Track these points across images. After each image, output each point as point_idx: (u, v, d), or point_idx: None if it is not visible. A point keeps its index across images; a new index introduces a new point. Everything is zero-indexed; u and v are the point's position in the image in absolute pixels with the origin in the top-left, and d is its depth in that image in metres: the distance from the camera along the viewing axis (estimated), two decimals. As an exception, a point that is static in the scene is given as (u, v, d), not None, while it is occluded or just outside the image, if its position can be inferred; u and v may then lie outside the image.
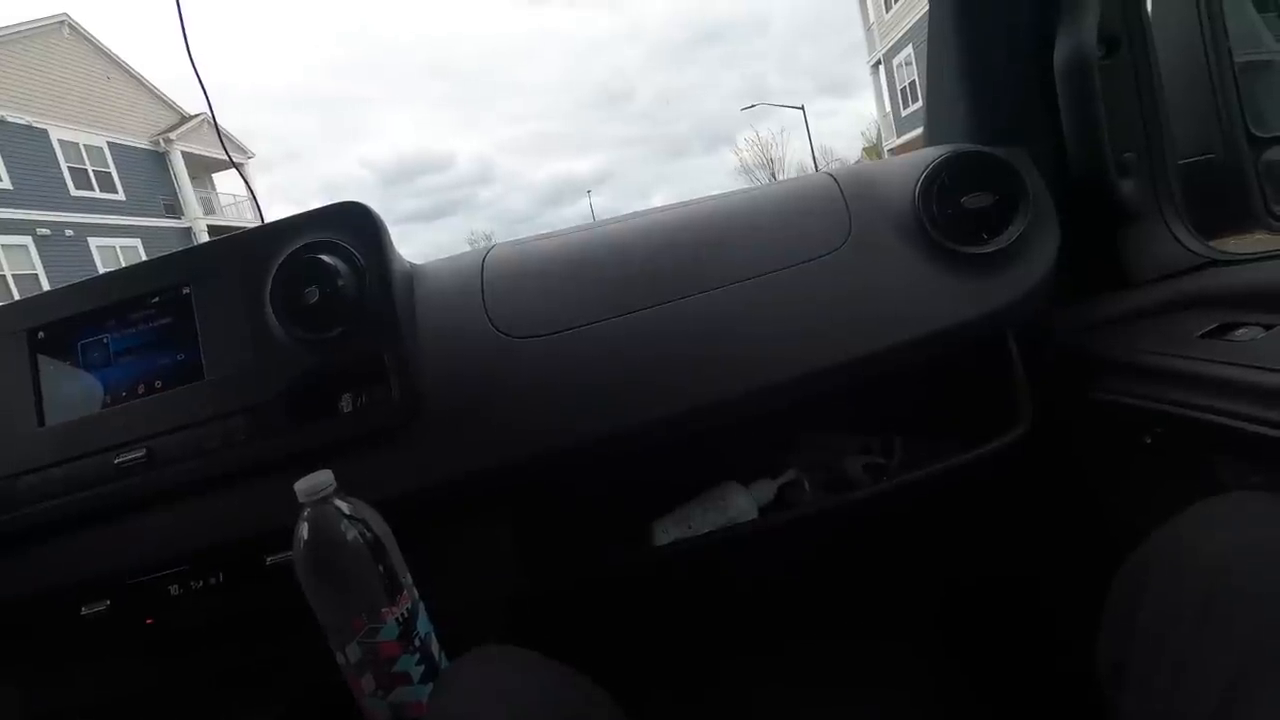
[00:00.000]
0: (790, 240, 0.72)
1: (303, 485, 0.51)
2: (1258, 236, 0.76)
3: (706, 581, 0.93)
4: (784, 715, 0.91)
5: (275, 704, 0.68)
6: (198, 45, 0.83)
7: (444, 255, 0.81)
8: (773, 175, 25.31)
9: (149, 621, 0.66)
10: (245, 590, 0.65)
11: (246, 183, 1.11)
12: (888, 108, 18.84)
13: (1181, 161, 0.75)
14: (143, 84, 16.75)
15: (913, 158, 0.77)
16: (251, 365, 0.65)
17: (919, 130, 1.02)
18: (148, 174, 16.58)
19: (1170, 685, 0.36)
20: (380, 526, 0.53)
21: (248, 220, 17.27)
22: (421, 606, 0.56)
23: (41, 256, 13.39)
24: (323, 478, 0.52)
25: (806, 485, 0.80)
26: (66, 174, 14.36)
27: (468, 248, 0.90)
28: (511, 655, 0.46)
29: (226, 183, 19.77)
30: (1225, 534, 0.39)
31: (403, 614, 0.53)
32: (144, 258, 0.79)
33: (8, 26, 13.54)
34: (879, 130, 20.59)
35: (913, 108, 16.73)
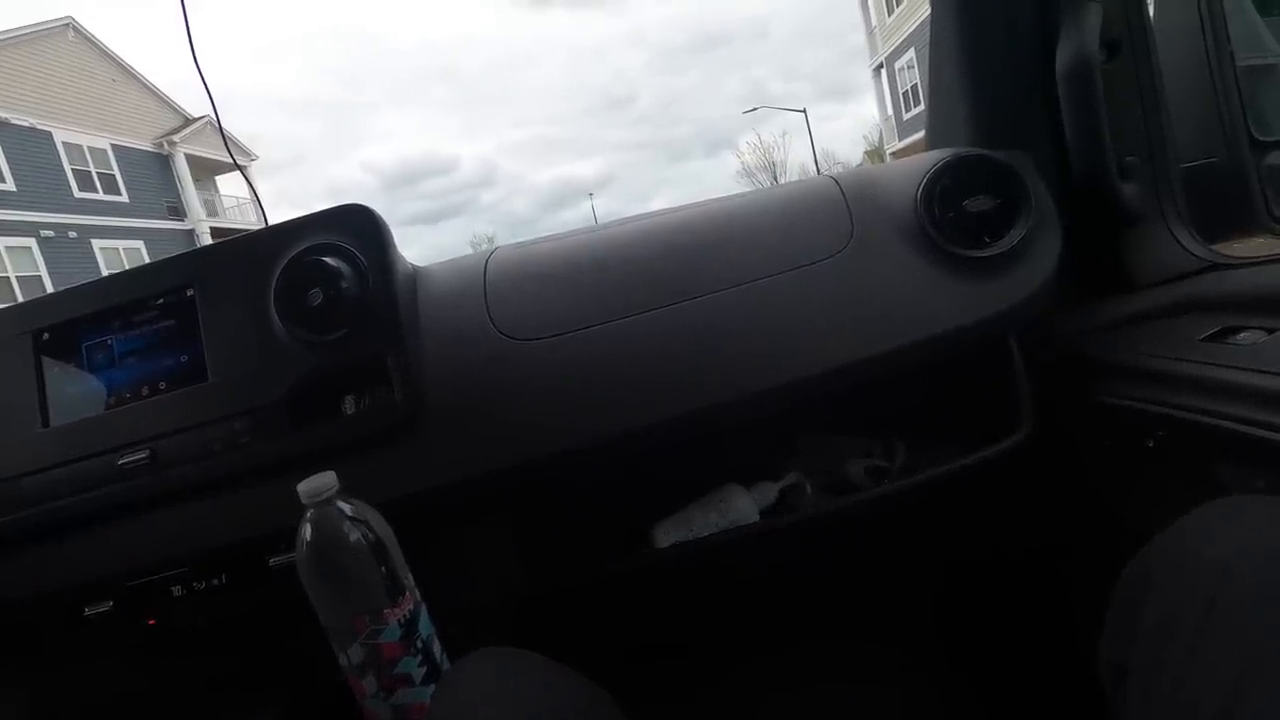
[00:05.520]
0: (792, 243, 0.72)
1: (305, 487, 0.51)
2: (1260, 240, 0.76)
3: (707, 584, 0.93)
4: (784, 718, 0.91)
5: (276, 705, 0.68)
6: (202, 48, 0.84)
7: (446, 257, 0.81)
8: (774, 178, 25.37)
9: (151, 622, 0.66)
10: (248, 591, 0.65)
11: (250, 184, 1.11)
12: (890, 111, 18.86)
13: (1184, 165, 0.75)
14: (146, 87, 16.81)
15: (914, 161, 0.77)
16: (255, 367, 0.65)
17: (921, 134, 1.02)
18: (151, 176, 16.63)
19: (1172, 689, 0.36)
20: (382, 528, 0.54)
21: (251, 223, 17.33)
22: (424, 608, 0.56)
23: (45, 258, 13.43)
24: (326, 479, 0.52)
25: (808, 488, 0.79)
26: (70, 176, 14.40)
27: (470, 249, 0.90)
28: (513, 657, 0.46)
29: (230, 185, 19.88)
30: (1228, 538, 0.39)
31: (405, 615, 0.53)
32: (147, 259, 0.79)
33: (13, 30, 13.61)
34: (881, 134, 20.61)
35: (915, 111, 16.73)
